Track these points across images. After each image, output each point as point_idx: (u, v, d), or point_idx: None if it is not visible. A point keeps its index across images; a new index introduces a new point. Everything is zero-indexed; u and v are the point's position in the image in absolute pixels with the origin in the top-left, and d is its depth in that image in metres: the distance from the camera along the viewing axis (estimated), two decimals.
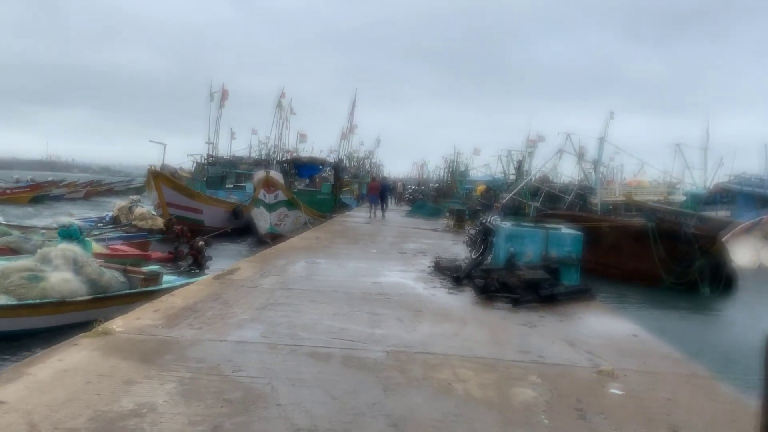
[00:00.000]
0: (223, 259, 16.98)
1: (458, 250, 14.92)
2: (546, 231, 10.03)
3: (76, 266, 10.58)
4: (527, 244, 9.99)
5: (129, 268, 12.14)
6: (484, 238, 11.63)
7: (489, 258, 11.35)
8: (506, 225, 10.52)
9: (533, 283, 8.73)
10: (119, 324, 5.96)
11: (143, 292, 11.05)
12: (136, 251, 17.86)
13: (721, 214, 33.51)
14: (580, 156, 37.55)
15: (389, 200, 31.04)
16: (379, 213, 27.35)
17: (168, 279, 13.40)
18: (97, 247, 17.00)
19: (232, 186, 33.18)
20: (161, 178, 22.63)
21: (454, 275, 9.65)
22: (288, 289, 8.31)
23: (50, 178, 54.15)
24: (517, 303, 8.06)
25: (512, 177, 48.65)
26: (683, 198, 38.03)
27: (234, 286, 8.34)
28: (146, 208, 24.38)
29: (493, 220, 11.89)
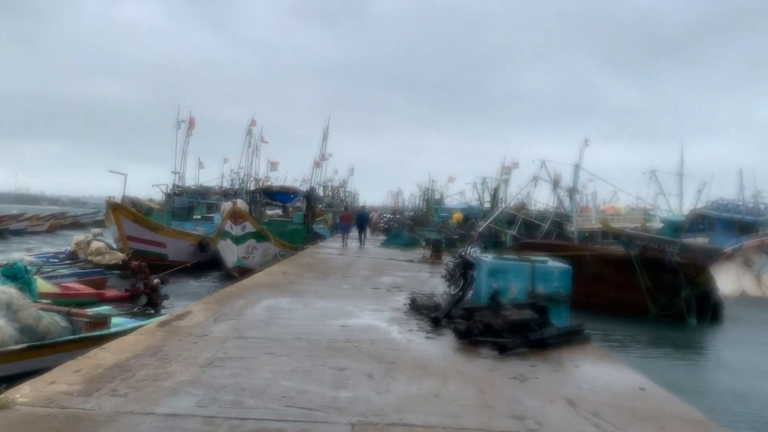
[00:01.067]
0: (182, 297, 15.79)
1: (436, 284, 13.96)
2: (532, 264, 9.12)
3: (10, 311, 9.42)
4: (511, 279, 9.06)
5: (73, 310, 10.95)
6: (464, 273, 10.69)
7: (470, 294, 10.41)
8: (488, 258, 9.58)
9: (521, 325, 7.78)
10: (25, 391, 4.86)
11: (88, 338, 9.95)
12: (89, 290, 16.61)
13: (699, 240, 33.16)
14: (556, 183, 37.11)
15: (366, 231, 31.10)
16: (351, 243, 27.06)
17: (118, 322, 12.25)
18: (46, 287, 15.72)
19: (199, 217, 31.95)
20: (121, 210, 21.41)
21: (433, 315, 8.66)
22: (242, 338, 7.23)
23: (14, 211, 52.15)
24: (504, 349, 7.08)
25: (487, 205, 48.15)
26: (660, 225, 37.73)
27: (180, 335, 7.25)
28: (105, 242, 23.09)
29: (473, 251, 10.95)
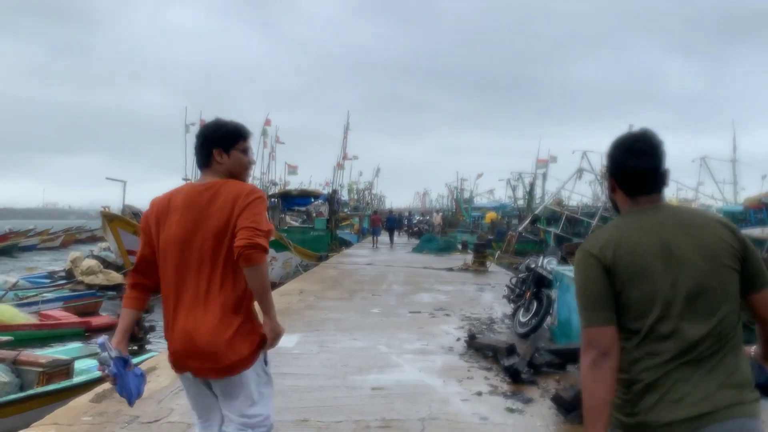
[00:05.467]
0: None
1: (489, 301, 11.09)
2: None
3: None
4: None
5: (21, 357, 8.35)
6: (537, 292, 7.83)
7: (548, 323, 7.58)
8: (563, 269, 6.64)
9: None
10: None
11: (39, 395, 7.42)
12: (73, 318, 14.07)
13: (766, 231, 29.69)
14: (603, 174, 33.91)
15: (395, 233, 32.60)
16: (383, 241, 29.31)
17: (87, 366, 9.61)
18: (19, 317, 13.25)
19: None
20: (118, 221, 18.86)
21: (509, 366, 5.81)
22: None
23: (7, 228, 49.70)
24: None
25: (520, 202, 45.02)
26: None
27: (123, 417, 4.54)
28: (102, 258, 20.64)
29: (547, 262, 8.07)
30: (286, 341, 7.31)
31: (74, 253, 20.22)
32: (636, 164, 1.96)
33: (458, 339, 7.54)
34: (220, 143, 2.69)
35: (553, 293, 7.49)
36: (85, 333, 13.80)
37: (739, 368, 1.87)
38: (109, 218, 18.78)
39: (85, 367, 9.27)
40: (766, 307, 1.95)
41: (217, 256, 2.54)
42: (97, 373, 8.85)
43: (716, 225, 1.92)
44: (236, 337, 2.51)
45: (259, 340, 2.59)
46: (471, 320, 9.02)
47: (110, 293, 16.60)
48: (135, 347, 10.46)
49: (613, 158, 2.02)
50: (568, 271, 7.25)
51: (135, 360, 9.44)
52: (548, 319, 7.53)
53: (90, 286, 16.76)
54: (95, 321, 14.07)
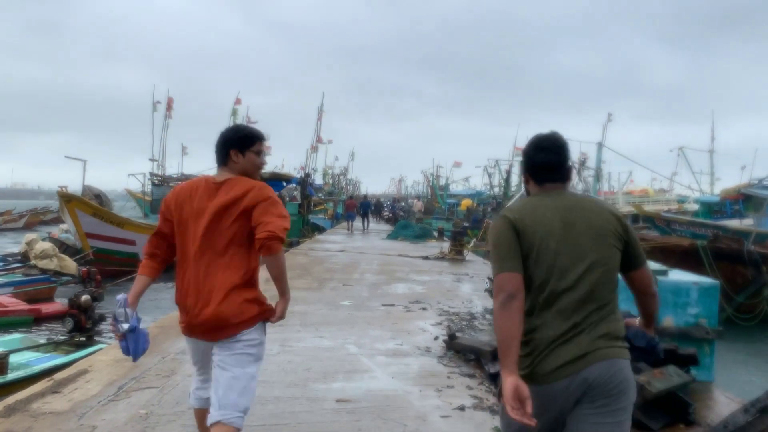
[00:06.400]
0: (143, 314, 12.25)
1: (468, 293, 10.38)
2: (654, 280, 5.52)
3: None
4: (621, 303, 5.48)
5: None
6: None
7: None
8: None
9: (669, 400, 4.27)
10: None
11: None
12: (22, 305, 13.07)
13: (745, 223, 29.54)
14: (582, 163, 33.39)
15: (369, 218, 32.16)
16: (356, 225, 29.15)
17: (26, 360, 8.79)
18: None
19: None
20: (76, 202, 17.79)
21: (494, 373, 5.08)
22: None
23: None
24: None
25: (496, 189, 44.52)
26: (696, 207, 34.07)
27: None
28: (62, 241, 19.55)
29: None
30: None
31: (30, 234, 19.08)
32: (543, 158, 2.40)
33: (436, 338, 6.80)
34: (237, 145, 3.07)
35: None
36: (34, 321, 12.89)
37: (612, 324, 2.25)
38: (67, 198, 17.72)
39: (24, 361, 8.40)
40: (641, 281, 2.44)
41: (226, 235, 2.93)
42: (36, 370, 7.99)
43: (606, 212, 2.34)
44: (243, 304, 2.90)
45: (258, 309, 2.98)
46: (449, 315, 8.29)
47: (65, 278, 15.60)
48: (83, 338, 9.55)
49: (526, 154, 2.47)
50: None
51: (81, 353, 8.45)
52: None
53: (44, 271, 15.69)
54: (46, 308, 13.11)
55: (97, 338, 9.98)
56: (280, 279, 3.01)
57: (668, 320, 5.50)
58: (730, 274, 15.02)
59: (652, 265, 6.21)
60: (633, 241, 2.35)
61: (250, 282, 2.99)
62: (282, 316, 3.08)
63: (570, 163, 2.47)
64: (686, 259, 15.37)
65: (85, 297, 9.52)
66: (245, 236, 2.94)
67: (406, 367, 5.69)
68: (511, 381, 2.05)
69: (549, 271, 2.23)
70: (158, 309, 12.86)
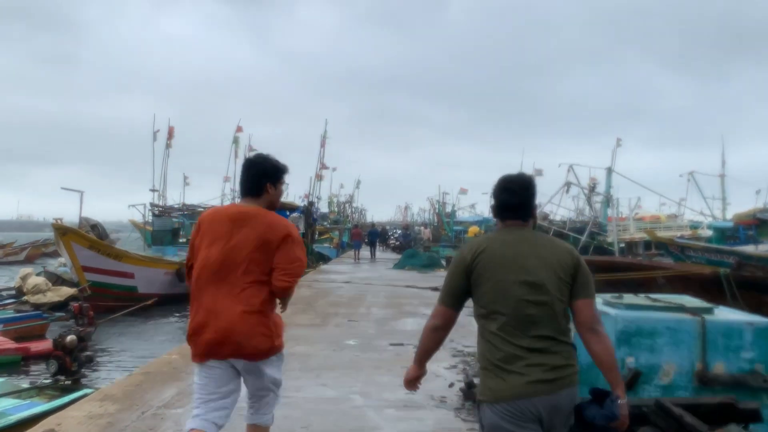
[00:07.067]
0: (137, 349, 11.61)
1: None
2: (701, 320, 4.82)
3: None
4: (664, 348, 4.80)
5: None
6: None
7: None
8: (615, 309, 5.16)
9: None
10: None
11: None
12: (10, 344, 12.43)
13: (762, 249, 28.71)
14: (592, 188, 32.69)
15: (377, 247, 32.34)
16: (364, 254, 29.34)
17: (3, 408, 8.12)
18: None
19: (184, 240, 27.74)
20: (72, 235, 17.22)
21: None
22: None
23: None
24: None
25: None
26: (709, 233, 33.27)
27: None
28: (58, 275, 18.94)
29: None
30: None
31: (25, 269, 18.47)
32: (506, 198, 2.71)
33: (451, 384, 6.11)
34: (273, 177, 3.25)
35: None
36: (22, 361, 12.22)
37: (566, 351, 2.52)
38: (62, 231, 17.14)
39: (1, 409, 7.70)
40: (584, 314, 2.57)
41: (245, 267, 3.11)
42: (11, 420, 7.29)
43: (560, 248, 2.62)
44: (261, 328, 3.12)
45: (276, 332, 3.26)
46: (464, 356, 7.59)
47: (58, 314, 14.94)
48: (68, 382, 8.88)
49: (493, 193, 2.76)
50: (608, 308, 5.84)
51: (64, 399, 7.76)
52: None
53: (37, 306, 15.06)
54: (35, 347, 12.43)
55: (84, 381, 9.33)
56: (286, 304, 3.39)
57: (719, 367, 4.79)
58: (757, 305, 14.23)
59: (692, 300, 5.54)
60: (583, 275, 2.58)
61: (265, 306, 3.19)
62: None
63: (534, 204, 2.75)
64: (705, 288, 14.62)
65: (70, 337, 8.88)
66: (266, 266, 3.15)
67: (419, 423, 4.99)
68: (414, 368, 2.80)
69: (505, 301, 2.50)
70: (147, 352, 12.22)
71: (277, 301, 3.29)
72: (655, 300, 5.34)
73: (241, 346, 3.08)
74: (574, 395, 2.49)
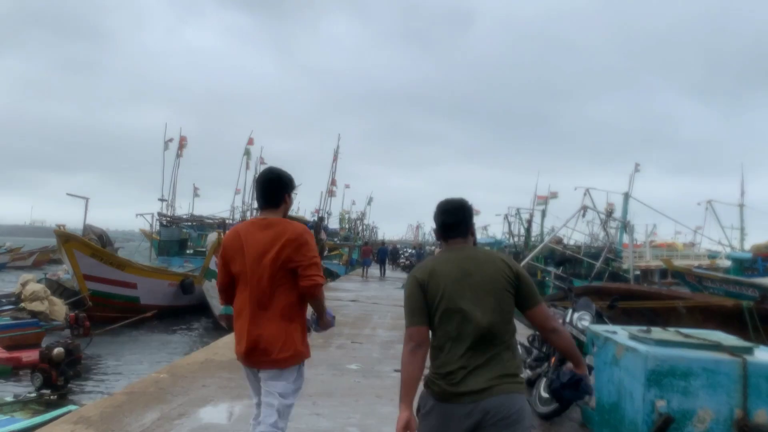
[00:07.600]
0: (137, 362, 11.12)
1: None
2: (741, 362, 4.28)
3: None
4: (699, 392, 4.27)
5: None
6: (564, 358, 5.87)
7: (582, 401, 5.63)
8: (645, 345, 4.61)
9: None
10: None
11: None
12: (1, 353, 11.99)
13: None
14: (609, 213, 31.98)
15: (386, 265, 32.23)
16: (372, 272, 29.41)
17: None
18: None
19: (192, 252, 27.39)
20: (74, 242, 16.86)
21: None
22: None
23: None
24: None
25: (516, 239, 43.17)
26: (728, 263, 32.44)
27: None
28: (62, 283, 18.56)
29: (578, 318, 6.19)
30: (219, 413, 5.37)
31: (26, 275, 18.05)
32: (444, 219, 2.87)
33: None
34: (289, 189, 3.51)
35: (589, 360, 5.55)
36: (13, 371, 11.77)
37: (509, 362, 2.64)
38: (64, 238, 16.80)
39: None
40: (539, 319, 2.76)
41: (275, 278, 3.30)
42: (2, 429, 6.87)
43: (499, 261, 2.75)
44: (288, 338, 3.32)
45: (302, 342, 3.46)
46: None
47: (55, 323, 14.53)
48: (53, 396, 8.42)
49: (434, 216, 2.92)
50: (611, 333, 5.32)
51: (48, 415, 7.30)
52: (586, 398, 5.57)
53: (34, 314, 14.64)
54: (27, 357, 11.96)
55: (71, 397, 8.87)
56: (321, 312, 3.62)
57: (761, 415, 4.25)
58: None
59: (728, 338, 4.99)
60: (525, 284, 2.73)
61: (294, 315, 3.41)
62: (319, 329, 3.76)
63: (472, 222, 2.90)
64: (726, 321, 13.97)
65: (57, 350, 8.44)
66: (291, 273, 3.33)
67: None
68: (405, 415, 2.57)
69: (454, 315, 2.64)
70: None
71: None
72: (687, 336, 4.81)
73: (271, 353, 3.37)
74: (517, 400, 2.60)
